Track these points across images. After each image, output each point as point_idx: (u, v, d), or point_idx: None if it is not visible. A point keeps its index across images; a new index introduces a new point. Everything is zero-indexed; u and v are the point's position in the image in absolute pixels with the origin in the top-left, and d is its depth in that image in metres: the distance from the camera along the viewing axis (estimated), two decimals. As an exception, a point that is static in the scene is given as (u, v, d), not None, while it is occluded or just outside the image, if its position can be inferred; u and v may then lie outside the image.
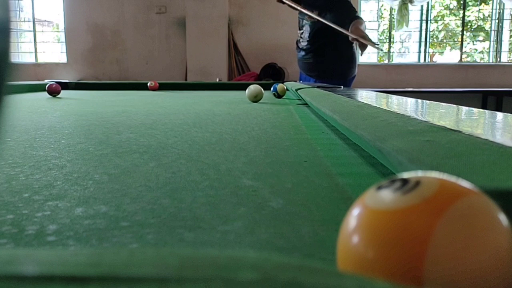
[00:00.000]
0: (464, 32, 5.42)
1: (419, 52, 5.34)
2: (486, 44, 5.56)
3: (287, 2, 2.64)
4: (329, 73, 2.65)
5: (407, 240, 0.17)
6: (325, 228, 0.38)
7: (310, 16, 2.54)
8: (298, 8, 2.60)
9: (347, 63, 2.69)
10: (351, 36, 2.38)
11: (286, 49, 4.96)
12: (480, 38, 5.69)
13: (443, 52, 5.79)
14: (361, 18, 2.55)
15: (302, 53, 2.71)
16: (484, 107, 4.81)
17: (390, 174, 0.55)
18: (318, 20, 2.50)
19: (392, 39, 5.43)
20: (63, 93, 2.38)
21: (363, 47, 2.40)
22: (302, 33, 2.68)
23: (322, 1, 2.54)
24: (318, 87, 1.94)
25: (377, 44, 2.59)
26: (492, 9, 5.32)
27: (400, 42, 5.62)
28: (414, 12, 5.26)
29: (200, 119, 1.22)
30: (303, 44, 2.68)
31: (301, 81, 2.80)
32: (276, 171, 0.60)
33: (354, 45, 2.54)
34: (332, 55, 2.63)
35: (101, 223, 0.39)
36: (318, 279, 0.13)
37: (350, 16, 2.50)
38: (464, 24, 5.40)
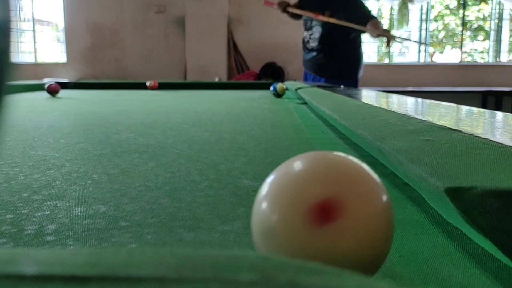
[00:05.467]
0: (464, 32, 5.42)
1: (419, 51, 5.34)
2: (486, 44, 5.56)
3: (291, 11, 2.66)
4: (341, 73, 2.66)
5: None
6: (324, 228, 0.38)
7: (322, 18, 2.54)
8: (306, 14, 2.61)
9: (358, 62, 2.71)
10: (376, 32, 2.41)
11: (286, 48, 4.96)
12: (480, 37, 5.69)
13: (443, 51, 5.79)
14: (376, 18, 2.57)
15: (313, 53, 2.70)
16: (484, 107, 4.80)
17: (391, 173, 0.55)
18: (330, 23, 2.51)
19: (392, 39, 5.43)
20: (63, 92, 2.38)
21: (389, 43, 2.45)
22: (311, 34, 2.68)
23: (336, 2, 2.54)
24: (318, 86, 1.94)
25: (403, 38, 2.66)
26: (492, 9, 5.32)
27: (400, 41, 5.61)
28: (414, 11, 5.26)
29: (199, 118, 1.22)
30: (313, 44, 2.68)
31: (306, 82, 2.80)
32: (276, 171, 0.60)
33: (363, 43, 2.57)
34: (344, 54, 2.65)
35: (100, 223, 0.39)
36: (317, 279, 0.13)
37: (367, 15, 2.52)
38: (464, 24, 5.40)
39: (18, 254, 0.14)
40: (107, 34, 5.27)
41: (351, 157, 0.24)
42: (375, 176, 0.23)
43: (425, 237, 0.36)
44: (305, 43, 2.76)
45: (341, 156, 0.24)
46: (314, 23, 2.64)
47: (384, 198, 0.22)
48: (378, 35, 2.45)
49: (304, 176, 0.22)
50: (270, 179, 0.23)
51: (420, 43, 4.74)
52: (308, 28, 2.70)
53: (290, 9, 2.67)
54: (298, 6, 2.70)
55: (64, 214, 0.41)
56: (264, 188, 0.23)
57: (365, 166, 0.23)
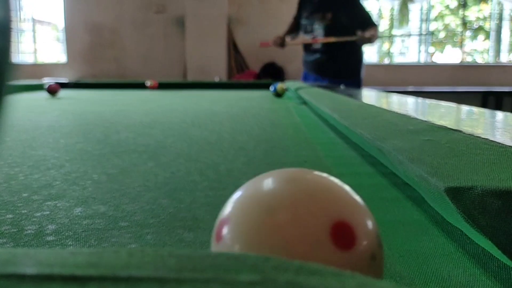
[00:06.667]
0: (464, 32, 5.42)
1: (419, 52, 5.34)
2: (486, 44, 5.56)
3: (290, 43, 2.76)
4: (345, 72, 2.68)
5: None
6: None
7: (324, 23, 2.58)
8: (304, 41, 2.69)
9: (360, 62, 2.73)
10: (364, 36, 2.46)
11: (286, 48, 4.96)
12: (480, 38, 5.69)
13: (443, 50, 5.79)
14: (377, 25, 2.59)
15: (316, 55, 2.72)
16: (484, 107, 4.79)
17: (390, 173, 0.54)
18: (332, 25, 2.54)
19: (392, 39, 5.43)
20: (62, 92, 2.38)
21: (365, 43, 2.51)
22: (313, 37, 2.70)
23: (338, 2, 2.56)
24: (318, 86, 1.94)
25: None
26: (492, 9, 5.32)
27: (401, 39, 5.61)
28: (414, 11, 5.26)
29: (199, 118, 1.22)
30: (317, 46, 2.69)
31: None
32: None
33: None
34: (347, 54, 2.67)
35: (100, 223, 0.39)
36: (318, 279, 0.13)
37: (368, 20, 2.56)
38: (464, 24, 5.40)
39: (18, 254, 0.14)
40: (106, 34, 5.28)
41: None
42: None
43: (425, 237, 0.35)
44: (307, 45, 2.77)
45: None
46: (315, 26, 2.65)
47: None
48: (365, 39, 2.49)
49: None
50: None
51: (421, 34, 4.78)
52: (308, 31, 2.72)
53: (289, 42, 2.76)
54: (296, 15, 2.76)
55: (64, 214, 0.41)
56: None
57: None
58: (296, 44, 2.78)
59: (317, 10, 2.60)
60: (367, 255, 0.19)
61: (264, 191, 0.20)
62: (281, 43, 2.75)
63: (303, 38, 2.70)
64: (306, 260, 0.17)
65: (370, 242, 0.19)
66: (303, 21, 2.72)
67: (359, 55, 2.72)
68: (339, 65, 2.67)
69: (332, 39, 2.51)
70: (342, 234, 0.18)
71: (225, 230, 0.20)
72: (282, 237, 0.18)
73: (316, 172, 0.21)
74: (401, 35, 4.12)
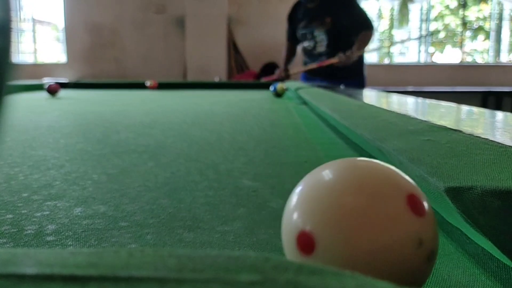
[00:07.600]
0: (464, 32, 5.42)
1: (419, 52, 5.34)
2: (486, 44, 5.56)
3: (294, 72, 2.81)
4: (350, 72, 2.68)
5: None
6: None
7: (324, 28, 2.60)
8: (308, 68, 2.71)
9: (362, 62, 2.74)
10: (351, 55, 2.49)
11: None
12: (480, 38, 5.69)
13: (443, 50, 5.79)
14: (373, 28, 2.58)
15: (323, 58, 2.73)
16: (484, 107, 4.78)
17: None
18: (333, 28, 2.56)
19: (392, 39, 5.43)
20: (62, 92, 2.38)
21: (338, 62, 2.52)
22: (315, 43, 2.70)
23: (336, 5, 2.55)
24: (318, 86, 1.94)
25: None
26: (492, 9, 5.32)
27: (401, 41, 5.62)
28: (414, 12, 5.26)
29: (199, 118, 1.22)
30: (321, 49, 2.69)
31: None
32: (276, 172, 0.60)
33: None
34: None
35: (100, 223, 0.39)
36: (318, 279, 0.13)
37: (365, 23, 2.56)
38: (464, 24, 5.40)
39: (18, 254, 0.14)
40: (106, 34, 5.28)
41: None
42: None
43: (425, 237, 0.35)
44: (310, 50, 2.76)
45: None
46: (315, 33, 2.65)
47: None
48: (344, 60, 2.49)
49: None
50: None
51: (421, 36, 4.79)
52: (309, 39, 2.72)
53: (293, 72, 2.82)
54: (289, 34, 2.82)
55: (64, 214, 0.41)
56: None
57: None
58: (300, 72, 2.84)
59: (315, 17, 2.59)
60: (435, 222, 0.23)
61: (333, 177, 0.23)
62: (287, 75, 2.84)
63: (305, 66, 2.76)
64: (389, 227, 0.20)
65: (433, 211, 0.23)
66: (301, 31, 2.72)
67: (361, 55, 2.73)
68: (344, 67, 2.68)
69: (331, 61, 2.55)
70: (415, 203, 0.22)
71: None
72: (365, 212, 0.21)
73: (368, 159, 0.25)
74: (401, 41, 4.15)
